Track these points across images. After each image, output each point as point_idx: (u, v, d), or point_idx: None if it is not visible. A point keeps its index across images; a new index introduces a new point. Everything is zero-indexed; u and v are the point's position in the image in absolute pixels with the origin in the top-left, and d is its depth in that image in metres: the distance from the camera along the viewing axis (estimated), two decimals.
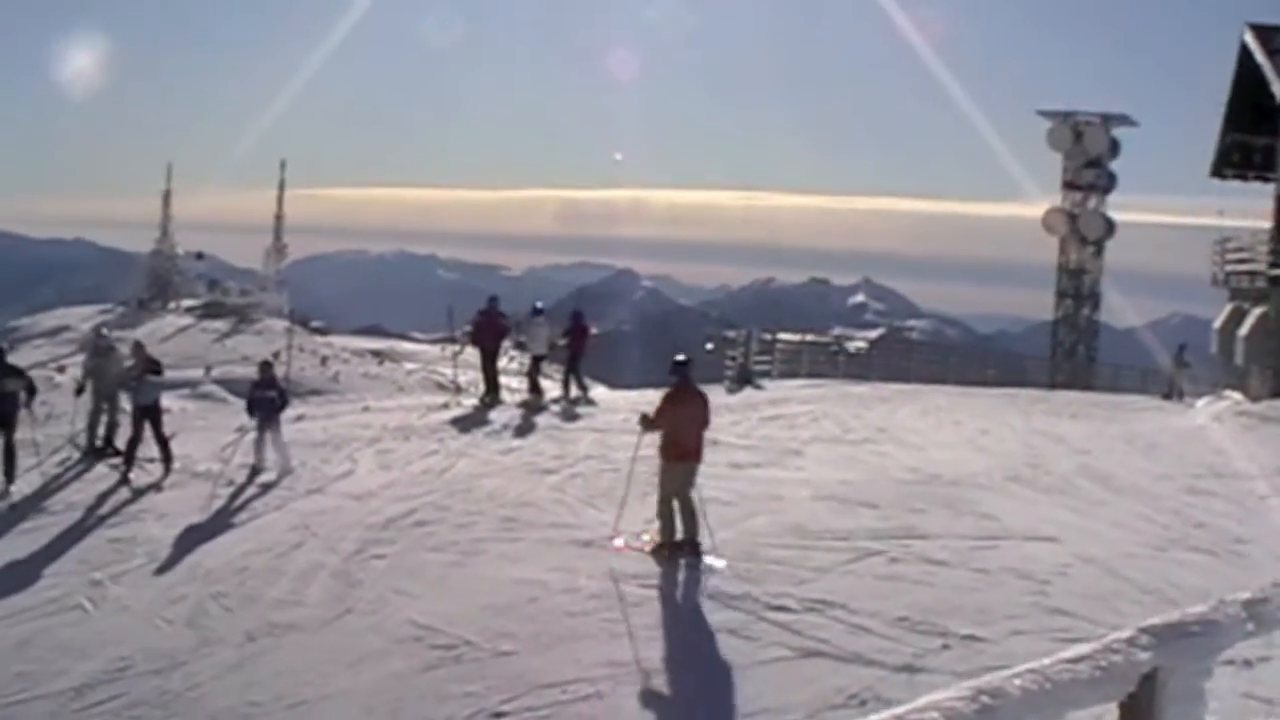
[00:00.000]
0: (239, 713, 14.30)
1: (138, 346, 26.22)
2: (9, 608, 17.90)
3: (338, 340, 74.21)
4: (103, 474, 24.52)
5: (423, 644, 15.52)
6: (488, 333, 32.05)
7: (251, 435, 24.65)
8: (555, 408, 31.05)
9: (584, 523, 20.27)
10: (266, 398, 24.95)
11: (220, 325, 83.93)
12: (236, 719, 14.19)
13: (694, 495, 18.94)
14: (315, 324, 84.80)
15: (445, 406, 31.81)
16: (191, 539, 20.39)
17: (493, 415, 29.49)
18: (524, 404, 31.29)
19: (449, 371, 49.20)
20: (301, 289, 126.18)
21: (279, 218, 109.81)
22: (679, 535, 18.78)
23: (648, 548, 19.03)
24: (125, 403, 25.84)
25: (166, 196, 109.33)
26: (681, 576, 17.64)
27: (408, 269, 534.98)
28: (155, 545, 20.21)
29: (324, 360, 61.98)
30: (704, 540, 18.72)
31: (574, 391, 32.09)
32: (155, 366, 25.42)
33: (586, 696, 14.00)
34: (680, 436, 18.84)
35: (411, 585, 17.54)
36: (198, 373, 53.00)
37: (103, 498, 23.02)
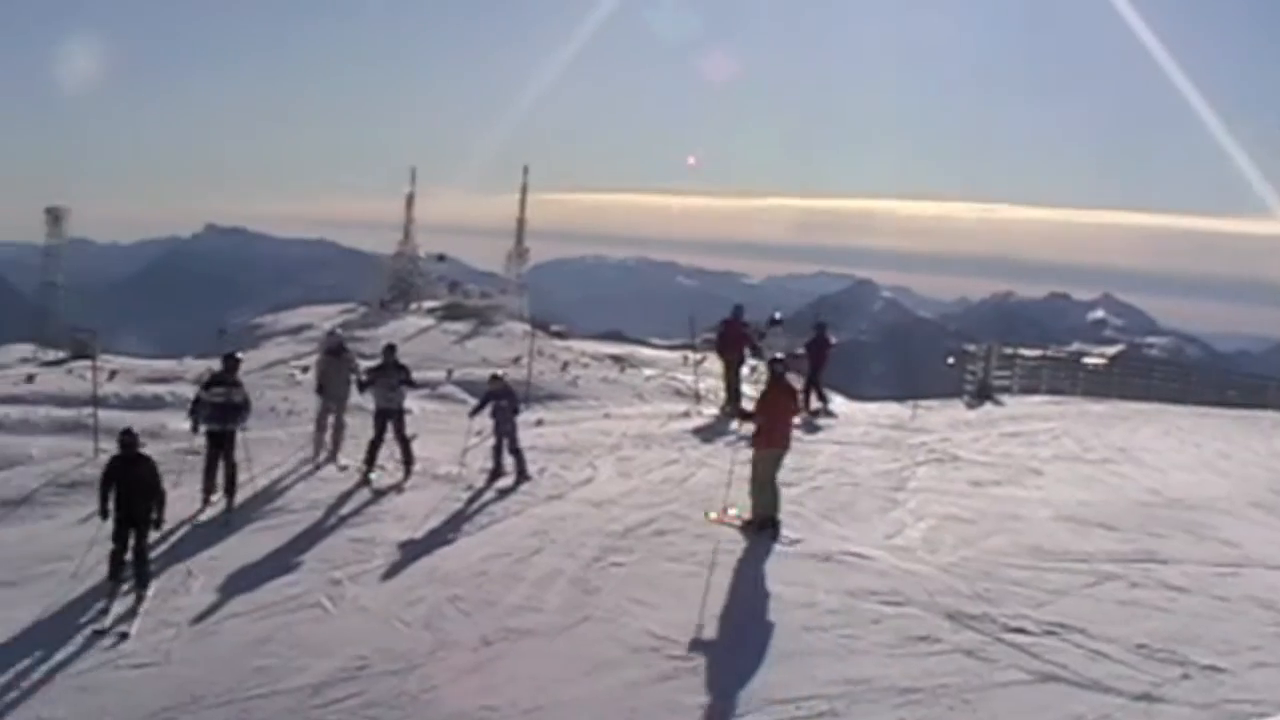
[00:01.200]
0: (473, 717, 14.40)
1: (389, 349, 26.10)
2: (250, 604, 18.24)
3: (577, 345, 74.41)
4: (343, 474, 24.74)
5: (659, 654, 15.52)
6: (731, 342, 31.80)
7: (490, 440, 24.75)
8: (795, 420, 30.77)
9: (821, 536, 20.10)
10: (499, 405, 24.68)
11: (460, 327, 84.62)
12: None
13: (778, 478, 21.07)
14: (555, 328, 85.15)
15: (686, 415, 31.81)
16: (430, 541, 20.58)
17: (734, 425, 29.32)
18: None
19: (688, 379, 49.13)
20: (542, 293, 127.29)
21: (520, 222, 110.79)
22: (763, 512, 20.78)
23: (739, 522, 21.07)
24: (370, 401, 25.83)
25: (409, 199, 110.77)
26: (921, 596, 17.38)
27: (647, 275, 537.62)
28: (394, 546, 20.42)
29: (565, 365, 62.23)
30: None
31: (814, 403, 31.80)
32: (408, 378, 25.46)
33: (821, 714, 13.95)
34: (771, 427, 21.14)
35: (649, 594, 17.54)
36: (437, 374, 53.44)
37: (344, 497, 23.25)
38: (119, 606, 18.41)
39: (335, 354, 26.95)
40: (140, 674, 16.29)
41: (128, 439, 19.59)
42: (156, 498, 19.36)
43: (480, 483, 23.84)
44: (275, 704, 15.09)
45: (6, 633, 17.81)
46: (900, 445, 27.39)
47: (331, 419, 26.60)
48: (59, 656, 16.94)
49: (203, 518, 22.36)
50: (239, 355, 25.20)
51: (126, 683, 16.08)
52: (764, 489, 21.02)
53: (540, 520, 21.38)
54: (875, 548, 19.52)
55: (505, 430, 24.50)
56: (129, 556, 19.20)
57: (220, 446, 23.10)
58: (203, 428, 23.41)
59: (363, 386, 25.70)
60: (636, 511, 21.60)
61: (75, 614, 18.58)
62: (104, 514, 19.25)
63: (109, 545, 19.11)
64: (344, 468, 25.04)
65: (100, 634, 17.52)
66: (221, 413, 23.08)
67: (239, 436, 23.46)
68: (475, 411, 25.51)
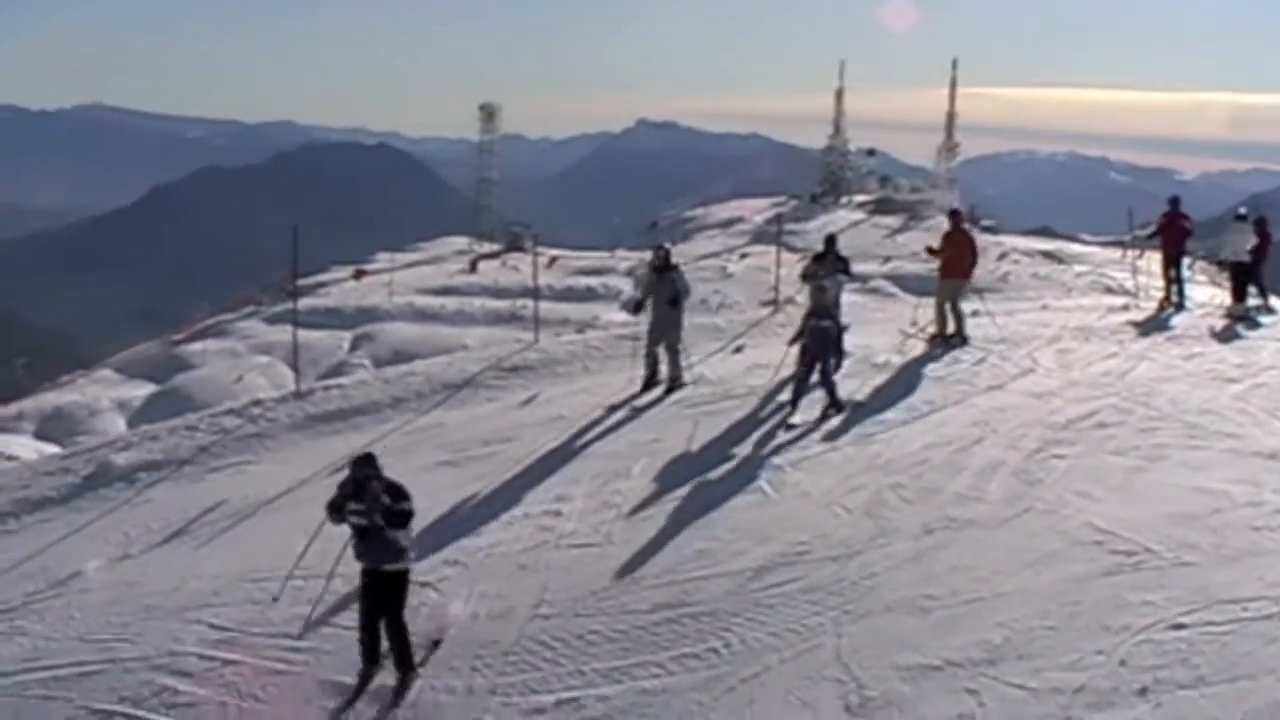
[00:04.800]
0: (914, 605, 14.41)
1: (830, 239, 25.82)
2: (691, 487, 18.67)
3: (1007, 240, 73.62)
4: (785, 359, 24.73)
5: (1102, 548, 15.23)
6: (1171, 235, 31.00)
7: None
8: (1236, 315, 29.79)
9: (1270, 434, 19.41)
10: (820, 327, 22.06)
11: (891, 221, 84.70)
12: (912, 611, 14.31)
13: (960, 301, 26.36)
14: (985, 223, 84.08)
15: (1125, 308, 31.14)
16: (871, 429, 20.63)
17: (1174, 320, 28.65)
18: (1225, 312, 30.05)
19: (1118, 275, 48.05)
20: (971, 188, 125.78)
21: (950, 116, 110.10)
22: (950, 329, 26.10)
23: (925, 336, 26.39)
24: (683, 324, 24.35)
25: (839, 94, 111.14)
26: None
27: (1078, 171, 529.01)
28: (835, 433, 20.56)
29: (1002, 255, 61.74)
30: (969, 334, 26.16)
31: (1253, 299, 30.75)
32: (847, 268, 25.19)
33: (1269, 616, 13.43)
34: (950, 261, 26.31)
35: (1092, 488, 17.21)
36: (868, 267, 53.64)
37: (783, 384, 23.29)
38: None
39: (660, 271, 24.07)
40: (580, 554, 16.85)
41: None
42: None
43: (925, 372, 23.95)
44: (715, 586, 15.38)
45: (447, 511, 18.67)
46: None
47: (662, 345, 24.17)
48: (500, 535, 17.62)
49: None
50: (371, 455, 14.70)
51: (567, 561, 16.66)
52: (941, 309, 26.24)
53: (980, 410, 21.21)
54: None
55: (818, 354, 21.98)
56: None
57: (371, 591, 14.71)
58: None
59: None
60: (1077, 404, 21.19)
61: (515, 493, 19.42)
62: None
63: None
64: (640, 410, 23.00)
65: None
66: (365, 542, 14.52)
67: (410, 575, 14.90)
68: (794, 340, 22.67)
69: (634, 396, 23.78)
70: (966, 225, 28.49)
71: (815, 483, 18.34)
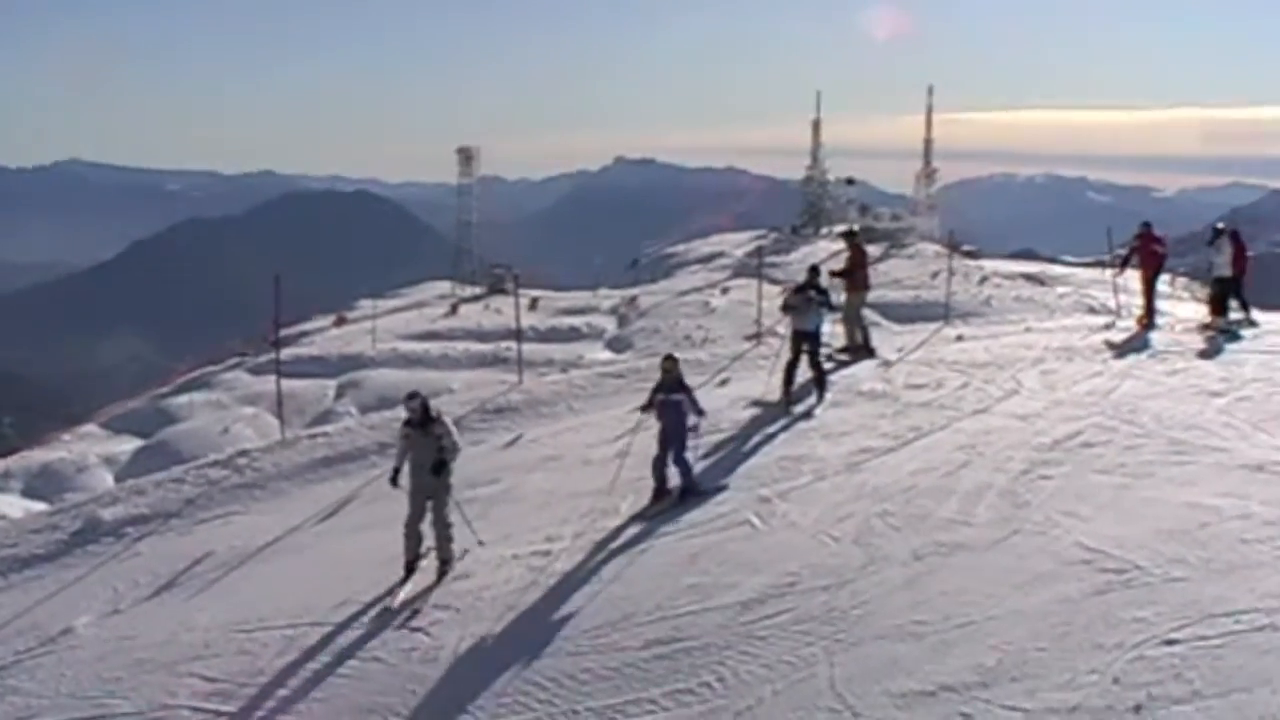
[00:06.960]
0: (906, 631, 14.43)
1: (813, 270, 25.22)
2: (679, 522, 18.73)
3: (989, 264, 74.15)
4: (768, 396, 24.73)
5: (1092, 567, 15.27)
6: (1145, 256, 31.13)
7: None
8: (1216, 329, 29.78)
9: (1255, 446, 19.43)
10: (670, 401, 19.77)
11: (872, 250, 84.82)
12: (904, 638, 14.32)
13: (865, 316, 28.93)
14: (966, 248, 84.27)
15: (1108, 328, 31.15)
16: (857, 457, 20.61)
17: (1156, 337, 28.66)
18: (1205, 326, 30.08)
19: (1100, 295, 48.20)
20: (952, 213, 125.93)
21: (928, 142, 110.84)
22: (858, 340, 28.28)
23: (835, 349, 27.87)
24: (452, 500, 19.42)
25: (816, 124, 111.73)
26: None
27: (1058, 192, 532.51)
28: (822, 464, 20.51)
29: (982, 280, 62.20)
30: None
31: (1234, 314, 30.77)
32: (827, 300, 24.76)
33: (1261, 628, 13.46)
34: (854, 278, 28.63)
35: (1080, 507, 17.26)
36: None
37: (769, 418, 23.49)
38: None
39: (421, 426, 18.74)
40: (571, 593, 16.87)
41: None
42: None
43: (909, 398, 23.89)
44: (706, 620, 15.41)
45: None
46: None
47: (427, 519, 18.80)
48: (490, 578, 17.77)
49: None
50: None
51: (558, 601, 16.70)
52: (851, 322, 28.48)
53: (966, 434, 21.25)
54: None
55: (671, 432, 19.89)
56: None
57: None
58: None
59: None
60: (1063, 424, 21.23)
61: (503, 534, 19.69)
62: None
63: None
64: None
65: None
66: None
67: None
68: (645, 408, 20.40)
69: (400, 582, 18.56)
70: (859, 242, 31.10)
71: (803, 513, 18.33)
